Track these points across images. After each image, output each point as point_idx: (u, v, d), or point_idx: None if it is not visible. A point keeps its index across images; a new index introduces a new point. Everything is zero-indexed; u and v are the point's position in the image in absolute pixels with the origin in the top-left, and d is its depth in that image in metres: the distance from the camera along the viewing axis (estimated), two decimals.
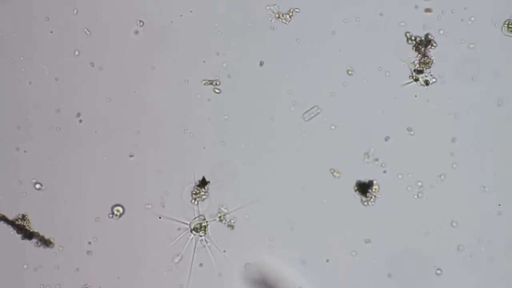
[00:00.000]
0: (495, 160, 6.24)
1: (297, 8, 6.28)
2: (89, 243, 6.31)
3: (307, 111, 6.30)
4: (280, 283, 6.12)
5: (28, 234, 6.29)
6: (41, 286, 6.31)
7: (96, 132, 6.35)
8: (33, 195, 6.33)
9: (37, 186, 6.33)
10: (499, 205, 6.20)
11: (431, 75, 6.21)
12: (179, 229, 6.28)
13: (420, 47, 6.20)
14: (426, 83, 6.21)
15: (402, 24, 6.22)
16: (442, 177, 6.24)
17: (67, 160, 6.35)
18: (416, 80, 6.21)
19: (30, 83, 6.35)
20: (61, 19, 6.35)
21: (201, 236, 6.28)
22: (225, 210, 6.29)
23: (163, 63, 6.34)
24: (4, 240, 6.33)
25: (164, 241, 6.28)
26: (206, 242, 6.28)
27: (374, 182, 6.24)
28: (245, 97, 6.35)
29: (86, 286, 6.33)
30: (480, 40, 6.20)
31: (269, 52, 6.32)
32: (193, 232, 6.28)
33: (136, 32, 6.32)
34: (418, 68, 6.21)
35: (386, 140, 6.27)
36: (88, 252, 6.32)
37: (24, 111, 6.36)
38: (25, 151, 6.33)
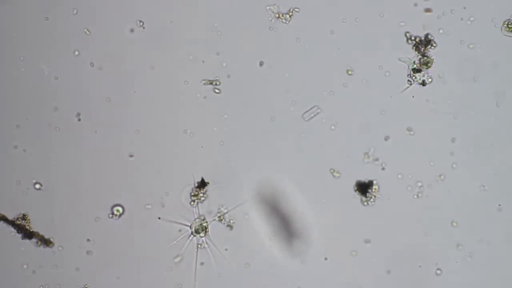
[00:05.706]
0: (494, 160, 6.24)
1: (297, 8, 6.28)
2: (88, 239, 6.31)
3: (307, 111, 6.30)
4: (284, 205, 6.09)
5: (28, 234, 6.28)
6: (41, 286, 6.31)
7: (96, 132, 6.35)
8: (33, 195, 6.32)
9: (37, 186, 6.32)
10: (499, 205, 6.21)
11: (428, 75, 6.21)
12: (180, 230, 6.28)
13: (420, 47, 6.20)
14: (423, 83, 6.21)
15: (402, 24, 6.22)
16: (442, 177, 6.24)
17: (67, 160, 6.35)
18: (413, 79, 6.20)
19: (30, 83, 6.35)
20: (61, 19, 6.34)
21: (201, 237, 6.28)
22: (224, 210, 6.28)
23: (163, 63, 6.33)
24: (4, 240, 6.33)
25: (164, 241, 6.28)
26: (206, 242, 6.28)
27: (374, 182, 6.25)
28: (245, 97, 6.35)
29: (86, 286, 6.33)
30: (480, 40, 6.21)
31: (269, 52, 6.31)
32: (194, 233, 6.27)
33: (136, 32, 6.31)
34: (417, 68, 6.21)
35: (386, 140, 6.27)
36: (88, 252, 6.32)
37: (23, 110, 6.35)
38: (24, 150, 6.32)
